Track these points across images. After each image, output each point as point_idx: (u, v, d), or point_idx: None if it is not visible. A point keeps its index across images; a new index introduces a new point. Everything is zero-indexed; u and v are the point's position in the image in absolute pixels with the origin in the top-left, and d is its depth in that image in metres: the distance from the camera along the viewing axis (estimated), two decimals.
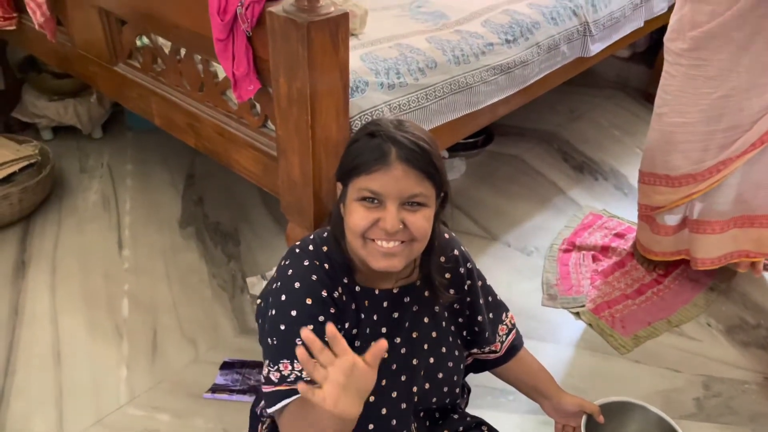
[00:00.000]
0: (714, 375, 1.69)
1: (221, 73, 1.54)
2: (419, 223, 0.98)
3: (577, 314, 1.87)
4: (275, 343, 1.01)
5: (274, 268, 1.93)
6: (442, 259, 1.13)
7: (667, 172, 1.80)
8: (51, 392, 1.59)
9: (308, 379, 0.98)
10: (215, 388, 1.62)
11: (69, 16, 1.88)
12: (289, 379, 0.99)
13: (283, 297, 1.02)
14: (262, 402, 1.11)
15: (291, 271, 1.05)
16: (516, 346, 1.29)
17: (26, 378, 1.63)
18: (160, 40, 1.68)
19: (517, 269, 2.03)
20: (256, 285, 1.91)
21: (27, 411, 1.55)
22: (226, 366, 1.68)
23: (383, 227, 0.96)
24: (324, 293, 1.02)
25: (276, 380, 0.99)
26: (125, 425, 1.52)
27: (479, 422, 1.28)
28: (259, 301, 1.14)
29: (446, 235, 1.16)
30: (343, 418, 0.85)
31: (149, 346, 1.73)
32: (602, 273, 2.02)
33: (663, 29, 2.80)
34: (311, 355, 0.83)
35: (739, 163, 1.71)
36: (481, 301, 1.21)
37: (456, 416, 1.29)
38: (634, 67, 3.18)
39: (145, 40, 1.72)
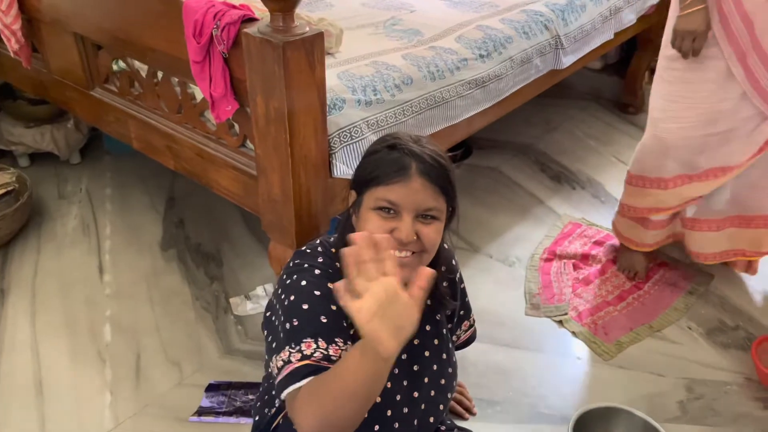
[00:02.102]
0: (696, 377, 1.71)
1: (199, 95, 1.55)
2: (431, 236, 1.03)
3: (561, 323, 1.89)
4: (296, 324, 1.00)
5: (258, 288, 1.95)
6: (443, 268, 1.17)
7: (659, 175, 1.81)
8: (34, 422, 1.57)
9: (334, 356, 0.98)
10: (201, 411, 1.60)
11: (44, 42, 1.88)
12: (313, 357, 0.97)
13: (303, 282, 1.04)
14: (274, 392, 1.07)
15: (298, 275, 1.07)
16: (469, 340, 1.43)
17: (7, 408, 1.60)
18: (137, 64, 1.68)
19: (500, 280, 2.05)
20: (240, 305, 1.91)
21: None
22: (212, 388, 1.66)
23: (398, 237, 1.00)
24: (331, 286, 1.04)
25: (296, 360, 0.98)
26: None
27: None
28: (269, 313, 1.14)
29: (445, 245, 1.20)
30: (375, 346, 0.79)
31: (133, 370, 1.72)
32: (583, 281, 2.04)
33: (633, 41, 2.89)
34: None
35: (739, 171, 1.74)
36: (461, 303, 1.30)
37: (443, 428, 1.30)
38: (607, 79, 3.24)
39: (122, 64, 1.73)
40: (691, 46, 1.61)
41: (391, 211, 1.02)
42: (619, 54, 3.20)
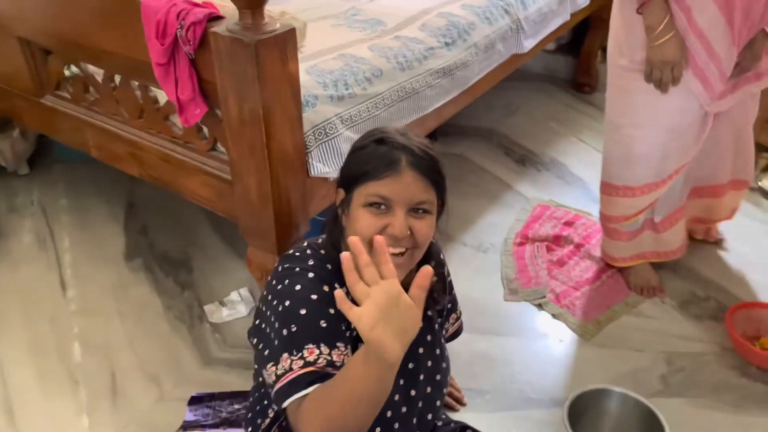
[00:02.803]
0: (674, 351, 1.75)
1: (162, 98, 1.48)
2: (424, 230, 1.01)
3: (540, 306, 1.90)
4: (294, 330, 0.96)
5: (233, 293, 1.89)
6: (433, 263, 1.15)
7: (627, 183, 1.78)
8: None
9: (338, 362, 0.95)
10: (186, 426, 1.55)
11: None
12: (318, 363, 0.93)
13: (298, 287, 1.00)
14: (270, 400, 1.04)
15: (290, 280, 1.03)
16: (457, 333, 1.41)
17: None
18: (91, 68, 1.60)
19: (476, 267, 2.05)
20: (215, 312, 1.85)
21: None
22: (195, 401, 1.61)
23: (392, 233, 0.98)
24: (327, 289, 1.01)
25: (298, 368, 0.94)
26: None
27: (463, 426, 1.29)
28: (257, 321, 1.10)
29: (433, 240, 1.18)
30: (379, 353, 0.78)
31: (108, 389, 1.64)
32: (558, 262, 2.06)
33: (586, 21, 2.92)
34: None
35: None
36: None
37: (440, 423, 1.30)
38: (561, 59, 3.27)
39: (74, 69, 1.63)
40: (670, 75, 1.57)
41: (383, 207, 1.00)
42: (572, 34, 3.23)
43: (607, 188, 1.85)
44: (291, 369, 0.96)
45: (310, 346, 0.96)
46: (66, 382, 1.66)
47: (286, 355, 0.97)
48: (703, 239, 2.11)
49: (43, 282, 1.98)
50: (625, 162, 1.77)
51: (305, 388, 0.93)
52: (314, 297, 1.00)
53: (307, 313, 0.99)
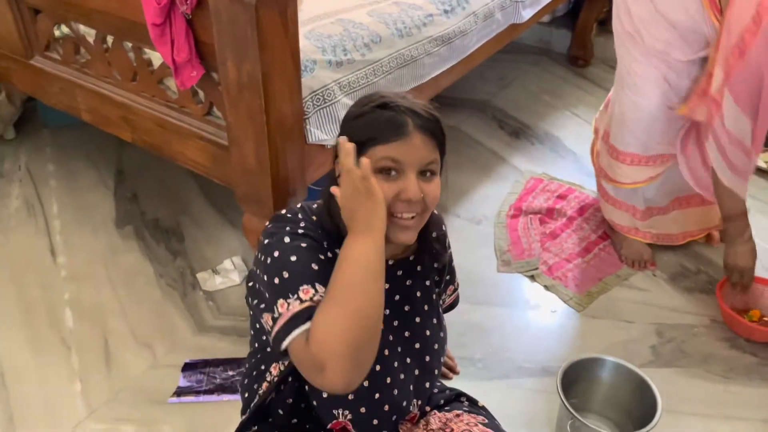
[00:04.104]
0: (665, 322, 1.78)
1: (156, 61, 1.45)
2: (435, 193, 1.00)
3: (532, 277, 1.91)
4: (287, 276, 0.96)
5: (226, 261, 1.88)
6: (434, 234, 1.15)
7: (617, 145, 1.81)
8: (1, 417, 1.48)
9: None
10: (180, 392, 1.55)
11: None
12: (314, 299, 0.93)
13: (287, 239, 0.99)
14: (272, 339, 1.00)
15: (278, 234, 1.01)
16: (453, 304, 1.40)
17: None
18: (82, 28, 1.55)
19: (470, 239, 2.05)
20: (208, 280, 1.84)
21: None
22: (188, 367, 1.61)
23: (406, 197, 0.98)
24: (315, 243, 1.01)
25: (296, 307, 0.94)
26: None
27: (458, 393, 1.30)
28: (251, 283, 1.08)
29: (435, 211, 1.17)
30: (356, 217, 0.93)
31: (101, 355, 1.64)
32: (551, 235, 2.07)
33: None
34: None
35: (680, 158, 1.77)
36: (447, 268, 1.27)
37: (436, 390, 1.31)
38: (555, 32, 3.25)
39: (65, 29, 1.59)
40: (740, 281, 1.73)
41: (393, 172, 0.98)
42: (567, 6, 3.20)
43: (611, 149, 1.86)
44: (288, 310, 0.94)
45: (305, 286, 0.95)
46: (58, 348, 1.65)
47: (281, 300, 0.95)
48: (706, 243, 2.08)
49: (32, 248, 1.96)
50: (619, 124, 1.79)
51: (305, 322, 0.92)
52: (303, 245, 0.99)
53: (297, 259, 0.97)
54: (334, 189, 0.96)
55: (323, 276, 0.96)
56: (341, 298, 0.91)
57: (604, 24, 3.13)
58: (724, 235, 1.76)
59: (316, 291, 0.94)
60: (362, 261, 0.92)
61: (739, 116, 1.51)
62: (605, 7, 3.00)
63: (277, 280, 0.97)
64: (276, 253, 0.98)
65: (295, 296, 0.94)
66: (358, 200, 0.93)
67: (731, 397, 1.57)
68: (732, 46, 1.44)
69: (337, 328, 0.89)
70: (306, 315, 0.92)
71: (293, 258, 0.97)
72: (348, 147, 0.94)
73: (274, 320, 0.95)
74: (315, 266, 0.97)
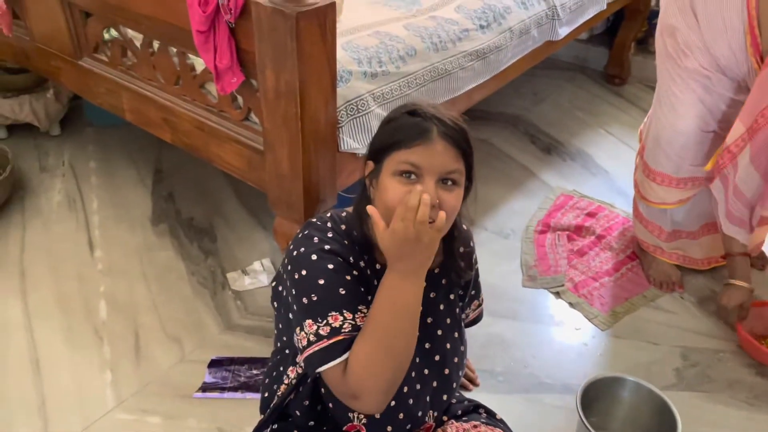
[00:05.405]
0: (690, 345, 1.76)
1: (199, 66, 1.51)
2: (452, 202, 1.01)
3: (557, 294, 1.91)
4: (315, 299, 1.01)
5: (256, 263, 1.92)
6: (462, 249, 1.16)
7: (650, 164, 1.80)
8: (33, 400, 1.54)
9: (362, 324, 1.01)
10: (205, 387, 1.59)
11: (27, 9, 1.80)
12: (344, 329, 0.99)
13: (314, 257, 1.03)
14: (301, 363, 1.08)
15: (306, 249, 1.05)
16: (476, 319, 1.43)
17: (6, 389, 1.56)
18: (130, 33, 1.62)
19: (496, 252, 2.06)
20: (238, 280, 1.89)
21: (9, 419, 1.49)
22: (215, 364, 1.65)
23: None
24: (341, 260, 1.05)
25: (326, 334, 0.99)
26: (115, 430, 1.49)
27: (476, 405, 1.31)
28: (275, 284, 1.13)
29: (464, 226, 1.19)
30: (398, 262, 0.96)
31: (132, 348, 1.69)
32: (578, 252, 2.07)
33: (620, 12, 2.89)
34: None
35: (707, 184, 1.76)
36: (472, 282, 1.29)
37: (454, 401, 1.32)
38: (593, 49, 3.24)
39: (114, 32, 1.66)
40: (736, 319, 1.75)
41: (413, 176, 1.00)
42: (606, 24, 3.19)
43: (644, 162, 1.86)
44: (319, 335, 0.99)
45: (333, 313, 0.99)
46: (91, 339, 1.71)
47: (310, 321, 1.00)
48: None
49: (71, 241, 2.03)
50: (654, 142, 1.78)
51: (339, 356, 0.98)
52: (330, 267, 1.02)
53: (325, 283, 1.01)
54: (370, 209, 0.97)
55: (350, 300, 1.02)
56: (382, 342, 0.96)
57: (643, 43, 3.12)
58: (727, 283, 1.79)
59: (345, 318, 0.99)
60: (404, 306, 0.97)
61: (752, 173, 1.51)
62: (644, 26, 2.98)
63: (305, 301, 1.01)
64: (304, 272, 1.03)
65: (324, 321, 1.00)
66: (410, 246, 0.94)
67: (755, 424, 1.55)
68: (764, 107, 1.43)
69: (376, 369, 0.96)
70: (341, 347, 0.98)
71: (321, 282, 1.01)
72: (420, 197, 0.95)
73: (309, 342, 1.00)
74: (342, 291, 1.01)
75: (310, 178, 1.35)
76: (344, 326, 0.98)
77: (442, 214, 0.94)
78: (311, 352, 0.99)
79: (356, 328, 0.99)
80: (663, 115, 1.72)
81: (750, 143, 1.49)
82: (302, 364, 1.04)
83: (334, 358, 0.97)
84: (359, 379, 0.96)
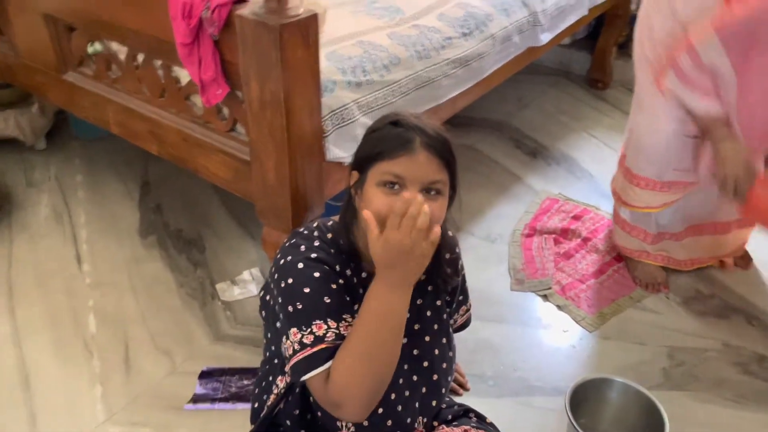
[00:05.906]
0: (677, 345, 1.78)
1: (184, 78, 1.51)
2: (436, 212, 1.02)
3: (545, 297, 1.93)
4: (300, 307, 1.02)
5: (245, 273, 1.93)
6: (448, 255, 1.18)
7: (632, 169, 1.82)
8: (23, 416, 1.53)
9: (345, 334, 1.01)
10: (196, 399, 1.59)
11: (11, 24, 1.80)
12: (327, 338, 1.00)
13: (300, 265, 1.04)
14: (286, 371, 1.09)
15: (293, 257, 1.06)
16: (465, 324, 1.45)
17: None
18: (114, 46, 1.62)
19: (483, 257, 2.08)
20: (227, 291, 1.89)
21: None
22: (205, 375, 1.65)
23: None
24: (328, 268, 1.06)
25: (310, 342, 1.00)
26: None
27: (466, 410, 1.32)
28: (262, 293, 1.14)
29: (450, 233, 1.20)
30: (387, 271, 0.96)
31: (122, 361, 1.69)
32: (564, 255, 2.09)
33: (602, 17, 2.93)
34: None
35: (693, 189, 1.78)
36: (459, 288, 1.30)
37: (444, 406, 1.33)
38: (575, 54, 3.28)
39: (98, 46, 1.66)
40: (734, 190, 1.57)
41: (396, 186, 1.01)
42: (588, 29, 3.23)
43: (626, 172, 1.87)
44: (303, 344, 1.00)
45: (318, 322, 1.01)
46: (81, 352, 1.70)
47: (294, 329, 1.01)
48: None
49: (59, 255, 2.03)
50: (635, 148, 1.80)
51: (322, 364, 0.99)
52: (317, 275, 1.04)
53: (310, 292, 1.02)
54: (366, 213, 0.97)
55: (335, 309, 1.03)
56: (365, 352, 0.97)
57: (624, 47, 3.16)
58: (714, 152, 1.60)
59: (329, 327, 1.00)
60: (389, 319, 0.98)
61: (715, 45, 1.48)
62: (625, 30, 3.02)
63: (290, 309, 1.03)
64: (290, 280, 1.04)
65: (309, 330, 1.01)
66: (403, 257, 0.94)
67: (742, 422, 1.57)
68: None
69: (357, 379, 0.97)
70: (325, 355, 0.99)
71: (306, 290, 1.02)
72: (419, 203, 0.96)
73: (294, 351, 1.01)
74: (327, 299, 1.03)
75: (297, 187, 1.36)
76: (327, 335, 0.99)
77: (437, 229, 0.95)
78: (296, 360, 1.00)
79: (340, 337, 1.00)
80: (643, 119, 1.75)
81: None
82: (289, 373, 1.05)
83: (318, 367, 0.98)
84: (341, 388, 0.97)
